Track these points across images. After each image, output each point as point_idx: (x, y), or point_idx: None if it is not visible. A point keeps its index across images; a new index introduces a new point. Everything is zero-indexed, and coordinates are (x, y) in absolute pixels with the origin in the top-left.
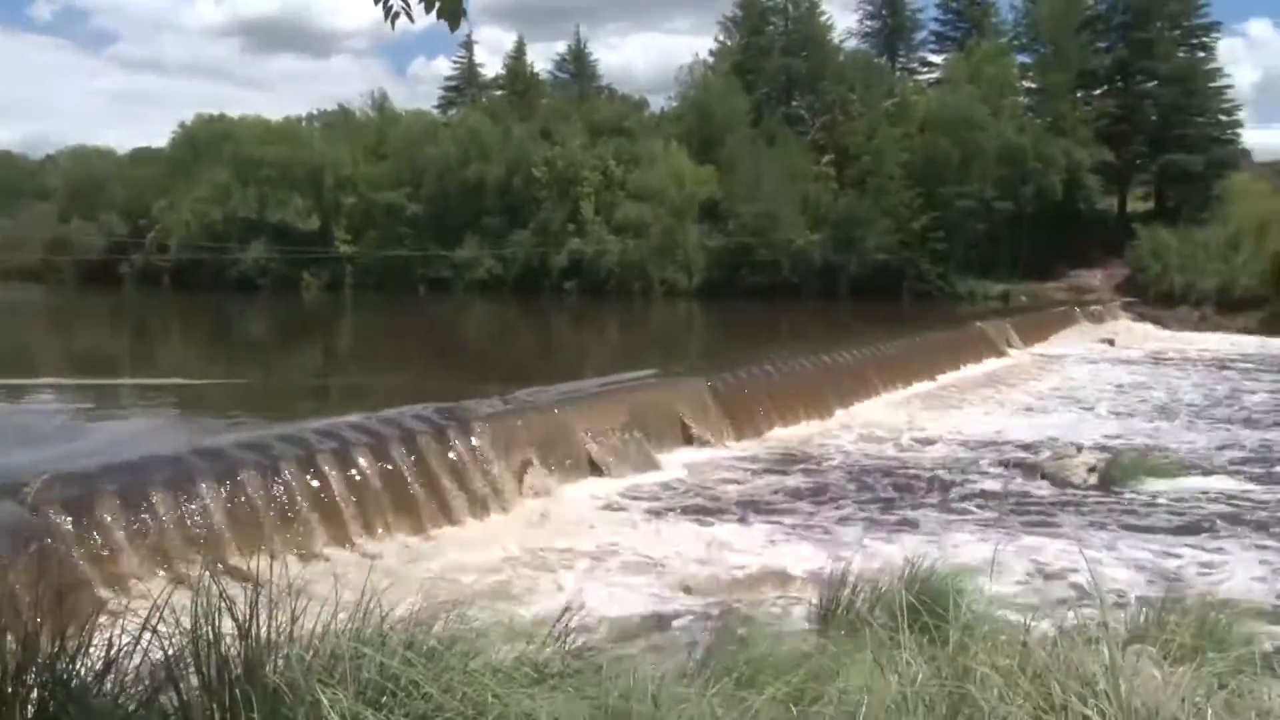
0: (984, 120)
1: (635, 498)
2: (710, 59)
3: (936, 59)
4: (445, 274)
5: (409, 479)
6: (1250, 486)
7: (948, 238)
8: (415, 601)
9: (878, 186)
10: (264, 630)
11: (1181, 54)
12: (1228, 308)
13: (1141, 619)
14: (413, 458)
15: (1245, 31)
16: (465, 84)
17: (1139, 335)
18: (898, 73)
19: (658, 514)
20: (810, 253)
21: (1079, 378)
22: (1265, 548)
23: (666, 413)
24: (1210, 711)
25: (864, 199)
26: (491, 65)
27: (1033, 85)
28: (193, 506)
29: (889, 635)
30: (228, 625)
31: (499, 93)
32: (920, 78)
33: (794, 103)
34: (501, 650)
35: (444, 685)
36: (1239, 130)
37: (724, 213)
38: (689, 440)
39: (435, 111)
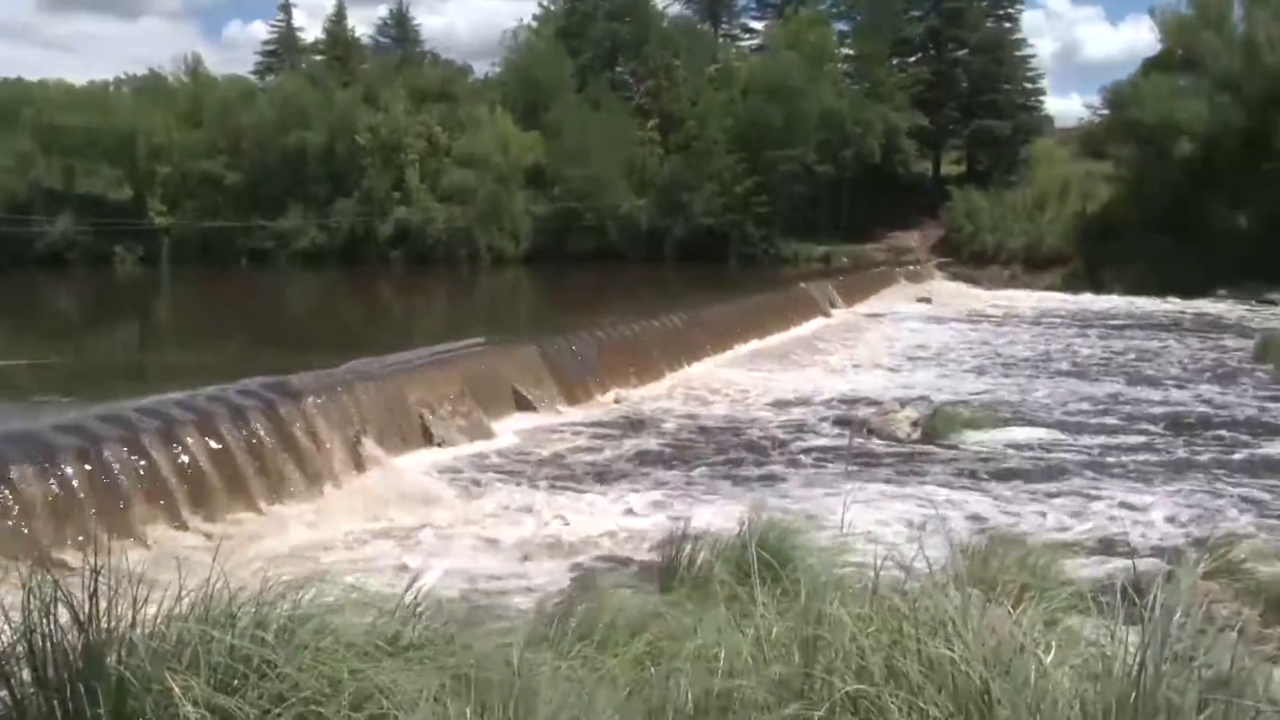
0: (804, 86)
1: (471, 466)
2: (534, 24)
3: (758, 25)
4: (268, 245)
5: (240, 456)
6: (1061, 436)
7: (771, 201)
8: (259, 581)
9: (702, 151)
10: (104, 620)
11: (989, 24)
12: (1035, 266)
13: (969, 562)
14: (243, 434)
15: (1045, 5)
16: (283, 48)
17: (954, 293)
18: (721, 39)
19: (494, 482)
20: (636, 217)
21: (900, 335)
22: (1073, 494)
23: (499, 380)
24: (1054, 644)
25: (689, 164)
26: (311, 29)
27: (851, 52)
28: (8, 494)
29: (740, 589)
30: (64, 617)
31: (319, 58)
32: (742, 44)
33: (619, 68)
34: (353, 625)
35: (298, 663)
36: (1042, 98)
37: (550, 179)
38: (523, 407)
39: (252, 77)
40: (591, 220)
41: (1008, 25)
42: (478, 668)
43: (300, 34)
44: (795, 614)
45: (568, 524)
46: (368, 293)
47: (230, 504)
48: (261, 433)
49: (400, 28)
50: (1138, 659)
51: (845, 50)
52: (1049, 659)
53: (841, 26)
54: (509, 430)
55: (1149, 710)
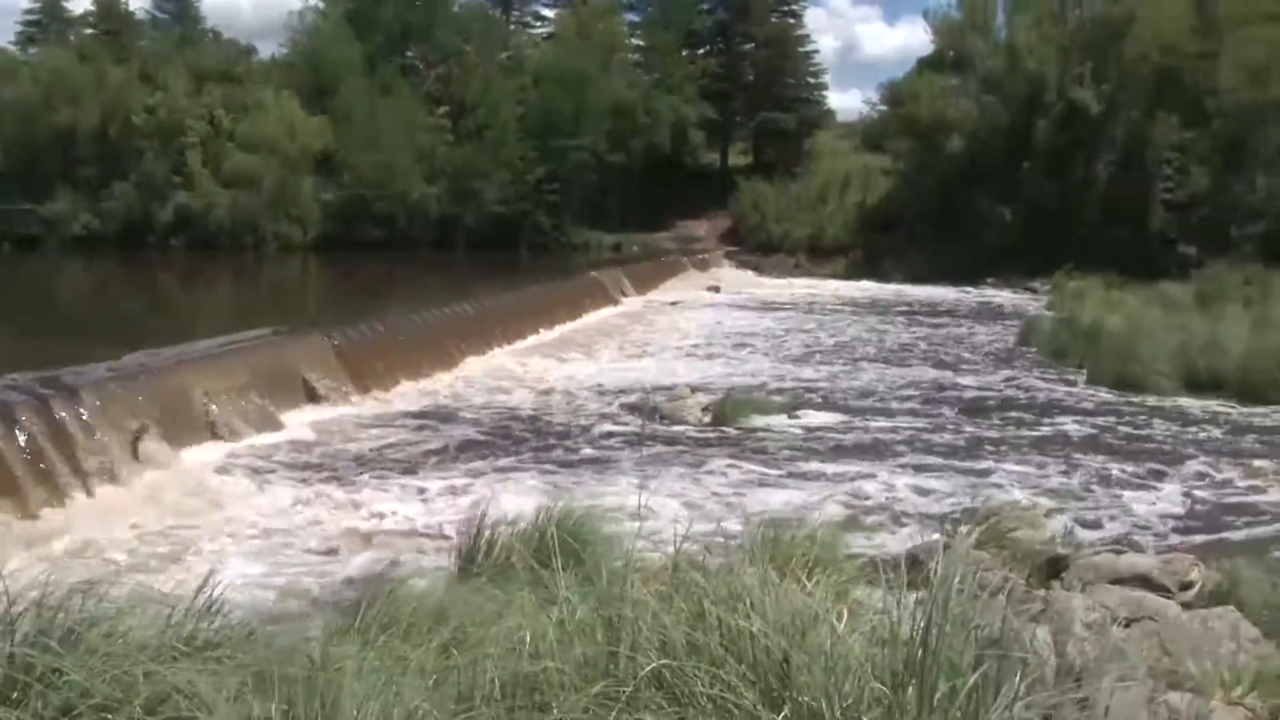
0: (595, 75)
1: (260, 460)
2: (321, 5)
3: (549, 13)
4: (34, 230)
5: (10, 456)
6: (846, 418)
7: (563, 190)
8: (39, 586)
9: (493, 139)
10: None
11: (775, 19)
12: (819, 255)
13: (762, 540)
14: (14, 432)
15: (827, 3)
16: (48, 19)
17: (741, 282)
18: (512, 26)
19: (284, 475)
20: (427, 205)
21: (690, 323)
22: (856, 474)
23: (288, 371)
24: (844, 613)
25: (480, 152)
26: (79, 0)
27: (641, 43)
28: None
29: (543, 573)
30: None
31: (89, 31)
32: (534, 31)
33: (409, 53)
34: (144, 626)
35: (88, 669)
36: (825, 93)
37: (339, 165)
38: (313, 399)
39: (13, 48)
40: (382, 207)
41: (792, 21)
42: (279, 664)
43: (67, 4)
44: (597, 595)
45: (363, 515)
46: (147, 281)
47: (1, 507)
48: (34, 430)
49: (179, 4)
50: (921, 623)
51: (636, 41)
52: (842, 627)
53: (632, 17)
54: (299, 422)
55: (931, 669)
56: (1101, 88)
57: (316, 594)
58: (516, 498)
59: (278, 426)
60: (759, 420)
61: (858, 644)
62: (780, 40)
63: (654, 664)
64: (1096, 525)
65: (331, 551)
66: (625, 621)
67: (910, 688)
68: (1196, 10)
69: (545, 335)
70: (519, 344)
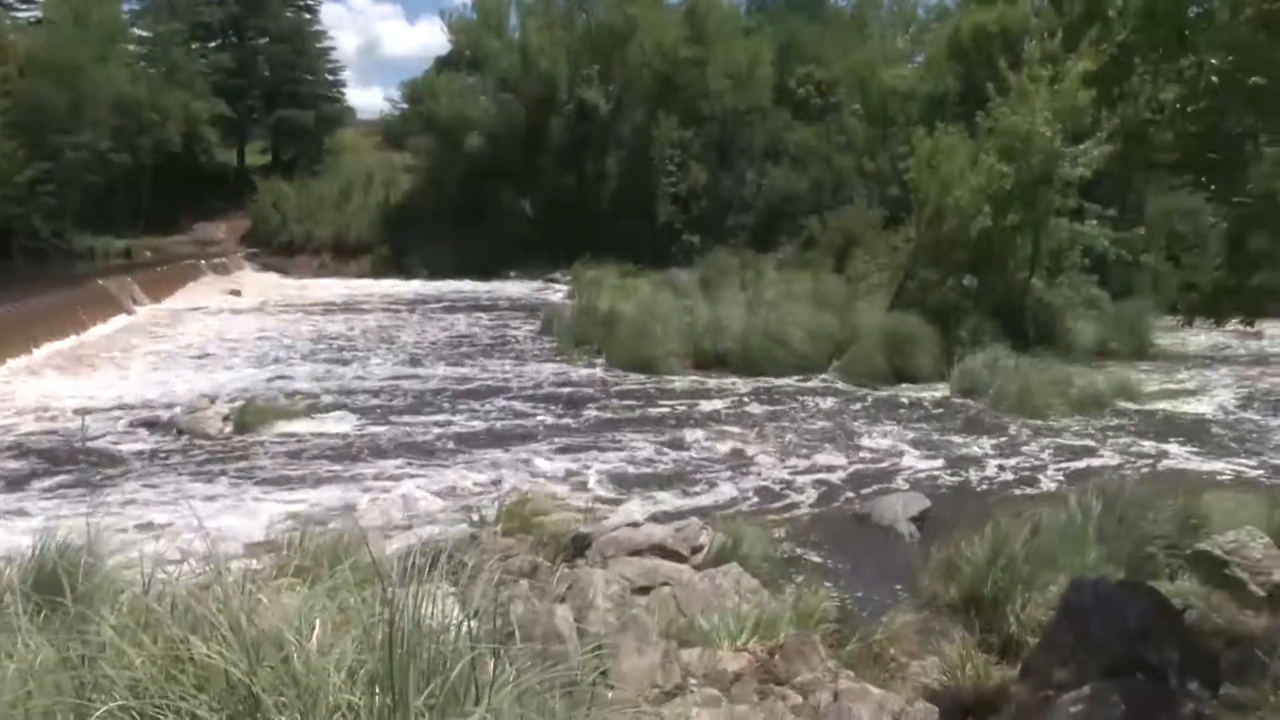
0: (91, 66)
1: None
2: None
3: None
4: None
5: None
6: (374, 419)
7: (61, 192)
8: None
9: None
10: None
11: (290, 14)
12: (344, 254)
13: (278, 552)
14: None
15: (346, 0)
16: None
17: (265, 285)
18: None
19: None
20: None
21: (209, 330)
22: (383, 473)
23: None
24: (319, 622)
25: None
26: None
27: (145, 34)
28: None
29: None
30: None
31: None
32: (19, 15)
33: None
34: None
35: None
36: (344, 90)
37: None
38: None
39: None
40: None
41: (308, 16)
42: None
43: None
44: (64, 634)
45: None
46: None
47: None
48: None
49: None
50: (391, 623)
51: (140, 31)
52: (326, 637)
53: (132, 6)
54: None
55: (407, 668)
56: (609, 89)
57: None
58: (9, 532)
59: None
60: (284, 426)
61: (347, 653)
62: (296, 35)
63: (105, 707)
64: (618, 501)
65: None
66: (95, 665)
67: (387, 692)
68: (689, 21)
69: (45, 352)
70: (19, 361)
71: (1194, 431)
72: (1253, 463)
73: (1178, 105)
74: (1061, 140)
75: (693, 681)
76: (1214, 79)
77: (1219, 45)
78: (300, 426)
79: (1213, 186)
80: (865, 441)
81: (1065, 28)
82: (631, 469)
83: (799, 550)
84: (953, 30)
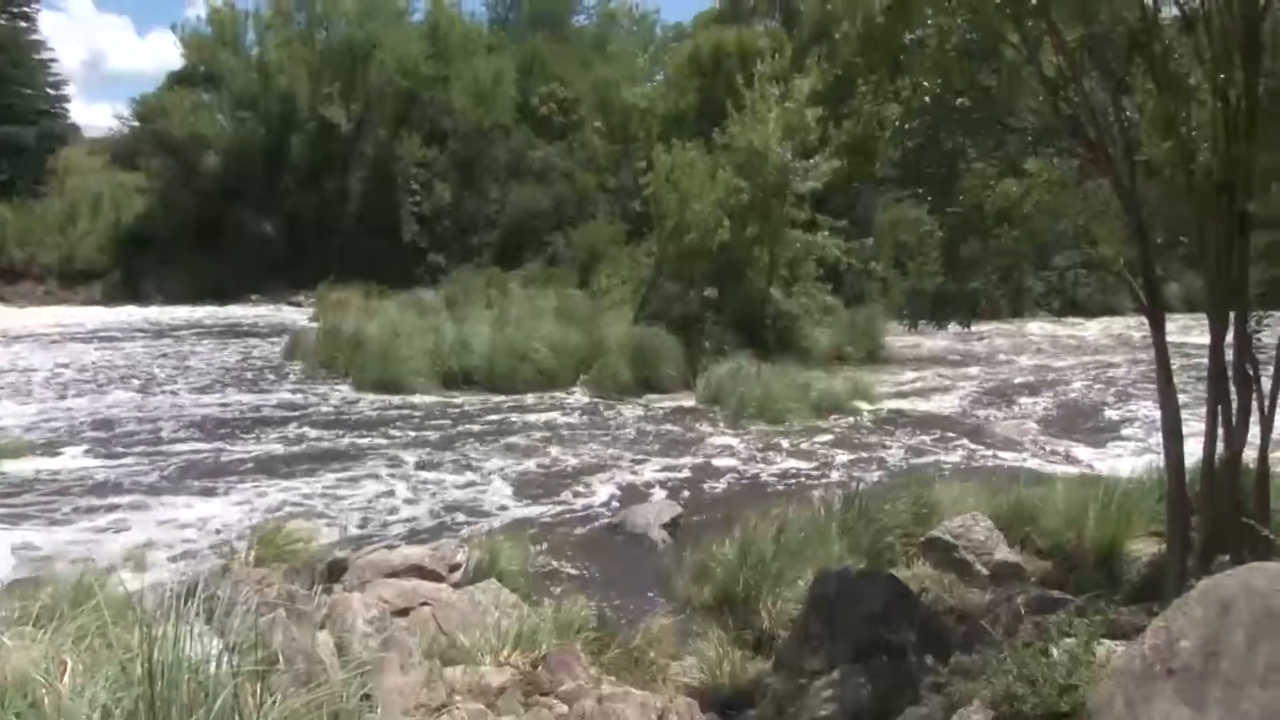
0: None
1: None
2: None
3: None
4: None
5: None
6: (104, 455)
7: None
8: None
9: None
10: None
11: (2, 20)
12: (72, 280)
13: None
14: None
15: (68, 9)
16: None
17: None
18: None
19: None
20: None
21: None
22: (123, 508)
23: None
24: (72, 662)
25: None
26: None
27: None
28: None
29: None
30: None
31: None
32: None
33: None
34: None
35: None
36: (68, 105)
37: None
38: None
39: None
40: None
41: (24, 25)
42: None
43: None
44: None
45: None
46: None
47: None
48: None
49: None
50: (150, 658)
51: None
52: (77, 679)
53: None
54: None
55: (166, 705)
56: (351, 106)
57: None
58: None
59: None
60: (10, 465)
61: (100, 693)
62: (11, 44)
63: None
64: (372, 523)
65: None
66: None
67: None
68: (431, 38)
69: None
70: None
71: (924, 427)
72: (976, 453)
73: (896, 123)
74: (793, 155)
75: (457, 698)
76: (926, 100)
77: (930, 69)
78: (30, 465)
79: (929, 198)
80: (615, 452)
81: (795, 48)
82: (383, 490)
83: (556, 563)
84: (692, 49)
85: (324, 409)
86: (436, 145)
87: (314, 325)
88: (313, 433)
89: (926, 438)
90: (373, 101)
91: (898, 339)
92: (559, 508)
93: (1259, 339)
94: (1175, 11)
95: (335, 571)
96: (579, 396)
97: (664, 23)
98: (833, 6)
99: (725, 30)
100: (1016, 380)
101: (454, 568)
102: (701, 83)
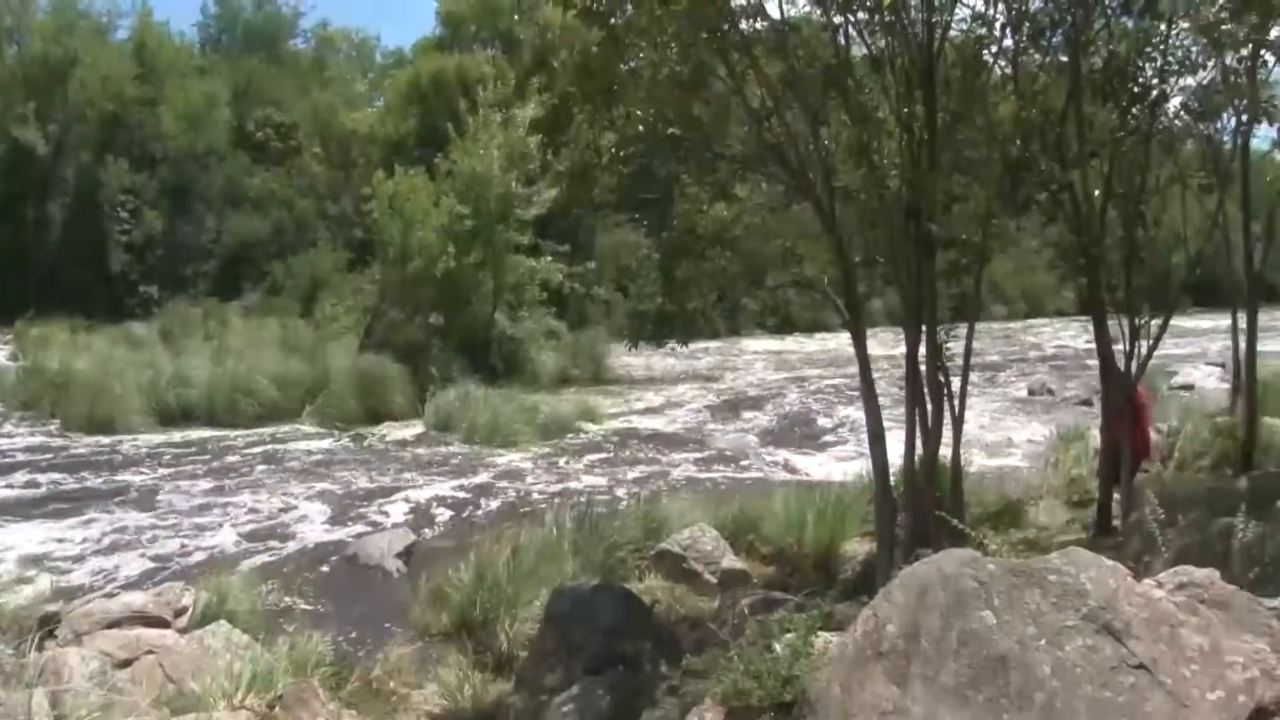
0: None
1: None
2: None
3: None
4: None
5: None
6: None
7: None
8: None
9: None
10: None
11: None
12: None
13: None
14: None
15: None
16: None
17: None
18: None
19: None
20: None
21: None
22: None
23: None
24: None
25: None
26: None
27: None
28: None
29: None
30: None
31: None
32: None
33: None
34: None
35: None
36: None
37: None
38: None
39: None
40: None
41: None
42: None
43: None
44: None
45: None
46: None
47: None
48: None
49: None
50: None
51: None
52: None
53: None
54: None
55: None
56: (49, 128)
57: None
58: None
59: None
60: None
61: None
62: None
63: None
64: (90, 571)
65: None
66: None
67: None
68: (137, 58)
69: None
70: None
71: (651, 444)
72: (701, 467)
73: (613, 150)
74: (516, 181)
75: None
76: (640, 128)
77: (643, 99)
78: None
79: (646, 223)
80: (345, 484)
81: (517, 76)
82: (98, 535)
83: (289, 599)
84: (412, 75)
85: (27, 453)
86: (146, 171)
87: (12, 364)
88: (18, 478)
89: (653, 454)
90: (73, 123)
91: (622, 360)
92: (289, 543)
93: (949, 349)
94: (864, 51)
95: (47, 626)
96: (306, 429)
97: (384, 48)
98: (551, 36)
99: (446, 57)
100: (737, 396)
101: (180, 612)
102: (423, 109)
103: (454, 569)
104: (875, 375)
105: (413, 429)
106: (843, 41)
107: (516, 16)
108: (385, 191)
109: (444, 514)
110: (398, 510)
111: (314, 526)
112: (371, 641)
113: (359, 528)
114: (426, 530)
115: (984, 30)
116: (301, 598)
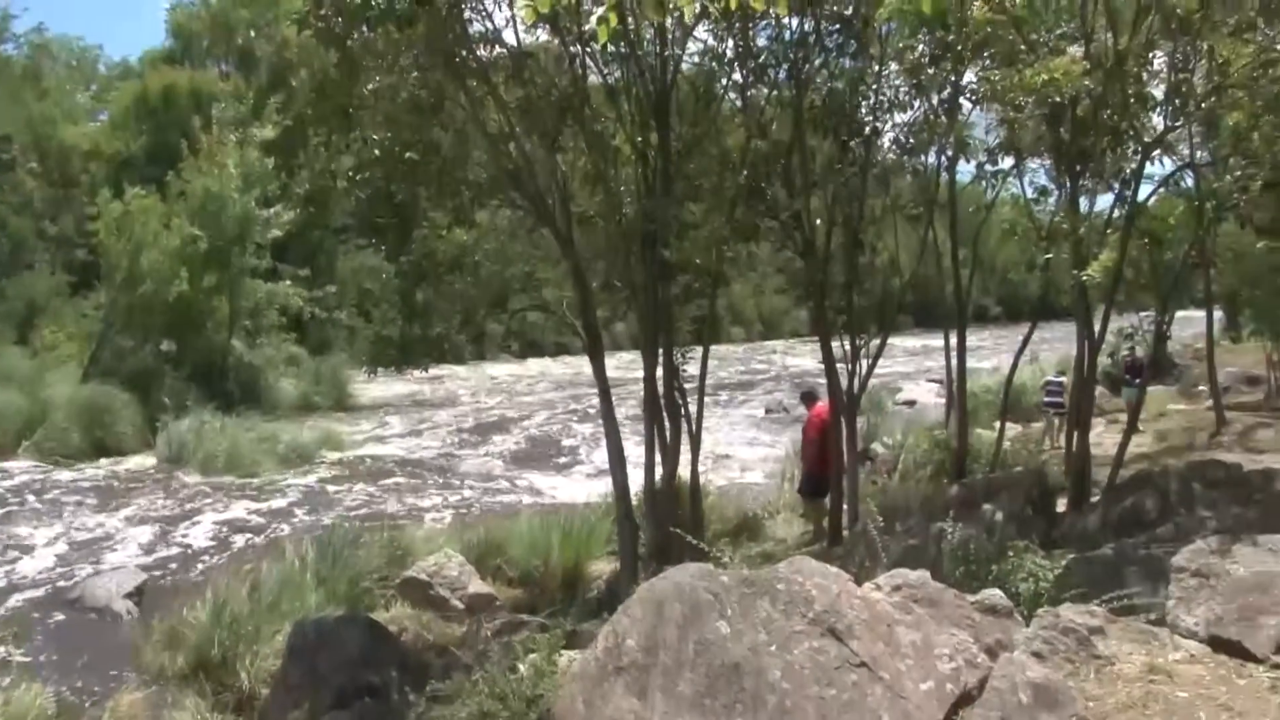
0: None
1: None
2: None
3: None
4: None
5: None
6: None
7: None
8: None
9: None
10: None
11: None
12: None
13: None
14: None
15: None
16: None
17: None
18: None
19: None
20: None
21: None
22: None
23: None
24: None
25: None
26: None
27: None
28: None
29: None
30: None
31: None
32: None
33: None
34: None
35: None
36: None
37: None
38: None
39: None
40: None
41: None
42: None
43: None
44: None
45: None
46: None
47: None
48: None
49: None
50: None
51: None
52: None
53: None
54: None
55: None
56: None
57: None
58: None
59: None
60: None
61: None
62: None
63: None
64: None
65: None
66: None
67: None
68: None
69: None
70: None
71: (395, 471)
72: (447, 492)
73: (350, 174)
74: (254, 203)
75: None
76: (377, 153)
77: (380, 123)
78: None
79: (384, 247)
80: (68, 523)
81: (254, 95)
82: None
83: (4, 649)
84: (140, 89)
85: None
86: None
87: None
88: None
89: (398, 481)
90: None
91: (366, 386)
92: (2, 590)
93: (684, 370)
94: (600, 80)
95: None
96: (22, 464)
97: (108, 59)
98: (290, 55)
99: (177, 71)
100: (482, 420)
101: None
102: (153, 124)
103: (189, 607)
104: (619, 397)
105: (144, 461)
106: (580, 70)
107: (253, 32)
108: (111, 211)
109: (178, 550)
110: (127, 549)
111: (32, 570)
112: (99, 690)
113: (84, 569)
114: (159, 569)
115: (715, 64)
116: (18, 646)
